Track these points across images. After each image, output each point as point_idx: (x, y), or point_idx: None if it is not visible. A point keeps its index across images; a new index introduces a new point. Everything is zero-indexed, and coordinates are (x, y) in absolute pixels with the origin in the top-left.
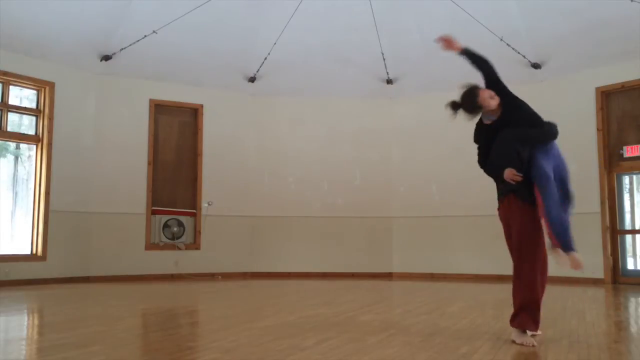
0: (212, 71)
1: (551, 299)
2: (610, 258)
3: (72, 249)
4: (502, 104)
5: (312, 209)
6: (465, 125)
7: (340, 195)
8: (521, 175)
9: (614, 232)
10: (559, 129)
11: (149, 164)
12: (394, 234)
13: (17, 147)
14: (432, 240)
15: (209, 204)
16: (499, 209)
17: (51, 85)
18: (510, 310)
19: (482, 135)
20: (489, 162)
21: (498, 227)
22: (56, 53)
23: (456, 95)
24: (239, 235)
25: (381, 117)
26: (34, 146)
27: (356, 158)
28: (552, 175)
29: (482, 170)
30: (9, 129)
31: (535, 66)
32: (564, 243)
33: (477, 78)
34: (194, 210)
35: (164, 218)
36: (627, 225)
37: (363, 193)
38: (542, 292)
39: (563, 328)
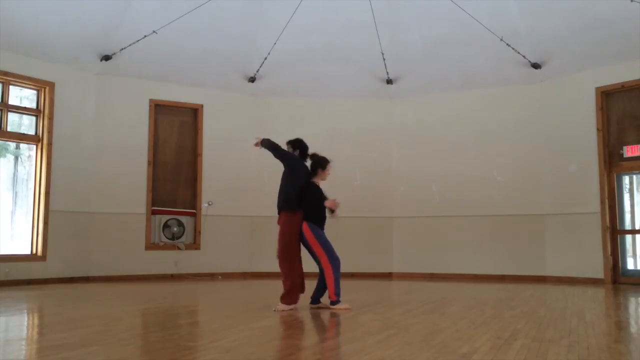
0: (212, 71)
1: (551, 299)
2: (610, 258)
3: (72, 249)
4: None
5: None
6: (465, 125)
7: (340, 195)
8: None
9: (614, 232)
10: (560, 128)
11: (149, 164)
12: (394, 234)
13: (17, 147)
14: (432, 240)
15: (209, 204)
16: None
17: (51, 85)
18: (510, 310)
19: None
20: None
21: (498, 227)
22: (56, 53)
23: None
24: (239, 235)
25: (381, 117)
26: (34, 146)
27: (356, 158)
28: None
29: (482, 170)
30: (9, 129)
31: (535, 66)
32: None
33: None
34: (194, 210)
35: (164, 218)
36: (627, 225)
37: (363, 193)
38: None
39: (563, 328)
